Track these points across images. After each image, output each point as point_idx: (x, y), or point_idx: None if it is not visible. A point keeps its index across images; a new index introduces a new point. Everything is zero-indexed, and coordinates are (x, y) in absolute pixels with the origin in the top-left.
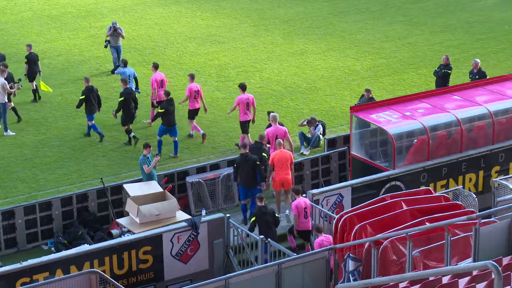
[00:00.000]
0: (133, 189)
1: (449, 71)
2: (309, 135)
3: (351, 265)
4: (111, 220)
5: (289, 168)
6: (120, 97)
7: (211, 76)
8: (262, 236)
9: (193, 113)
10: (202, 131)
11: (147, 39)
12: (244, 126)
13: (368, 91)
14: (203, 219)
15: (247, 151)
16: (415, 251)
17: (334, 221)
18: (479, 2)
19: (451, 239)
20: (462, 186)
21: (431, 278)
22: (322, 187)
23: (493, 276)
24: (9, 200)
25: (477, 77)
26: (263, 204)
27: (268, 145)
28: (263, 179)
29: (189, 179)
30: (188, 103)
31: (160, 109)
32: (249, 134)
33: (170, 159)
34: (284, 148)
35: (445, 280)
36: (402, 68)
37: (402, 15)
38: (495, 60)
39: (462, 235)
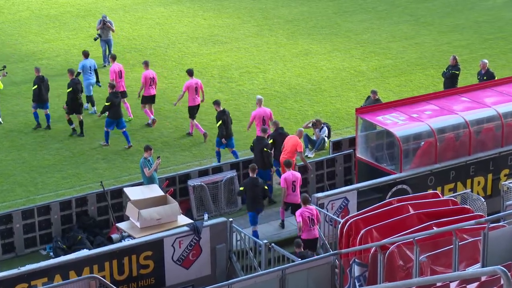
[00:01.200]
0: (134, 193)
1: (457, 72)
2: (314, 138)
3: (356, 270)
4: (111, 225)
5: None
6: (68, 88)
7: (214, 77)
8: (265, 241)
9: (148, 99)
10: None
11: (148, 39)
12: (193, 111)
13: (374, 92)
14: (205, 223)
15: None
16: (422, 256)
17: (340, 226)
18: (488, 2)
19: (459, 244)
20: (470, 189)
21: (438, 284)
22: (327, 190)
23: (502, 282)
24: (7, 204)
25: (485, 78)
26: (254, 176)
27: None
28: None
29: (191, 182)
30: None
31: (107, 102)
32: (195, 120)
33: (171, 161)
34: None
35: (453, 286)
36: (409, 69)
37: (409, 15)
38: (503, 61)
39: (470, 240)
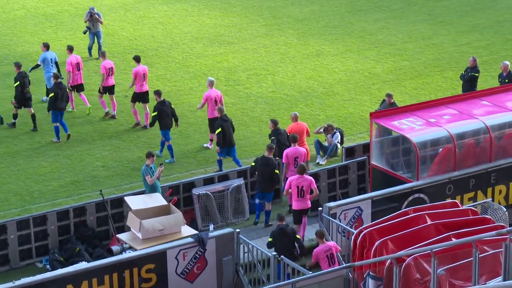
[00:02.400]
0: (135, 202)
1: (477, 74)
2: (325, 144)
3: (371, 284)
4: (111, 236)
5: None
6: (15, 82)
7: (220, 80)
8: (274, 253)
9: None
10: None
11: (150, 40)
12: (142, 98)
13: (389, 96)
14: (211, 234)
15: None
16: (440, 269)
17: (353, 237)
18: (510, 0)
19: (479, 256)
20: (491, 198)
21: None
22: (340, 199)
23: None
24: (1, 214)
25: (506, 80)
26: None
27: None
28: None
29: (195, 191)
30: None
31: (50, 92)
32: (147, 105)
33: (174, 169)
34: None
35: None
36: (426, 71)
37: (426, 14)
38: None
39: (491, 251)
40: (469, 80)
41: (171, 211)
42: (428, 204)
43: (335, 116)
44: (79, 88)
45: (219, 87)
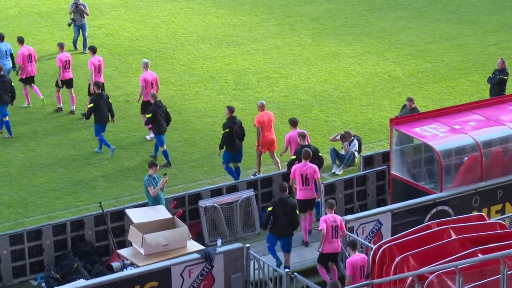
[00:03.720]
0: (137, 215)
1: (505, 77)
2: (342, 152)
3: None
4: (111, 251)
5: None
6: None
7: (228, 83)
8: (287, 270)
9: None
10: (60, 104)
11: (153, 40)
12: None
13: (410, 100)
14: (219, 249)
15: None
16: (466, 287)
17: (372, 252)
18: None
19: (508, 273)
20: None
21: None
22: (358, 212)
23: None
24: None
25: None
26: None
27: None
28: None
29: (202, 203)
30: (60, 73)
31: None
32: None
33: (179, 179)
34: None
35: None
36: (450, 74)
37: (451, 12)
38: None
39: None
40: (497, 84)
41: (175, 225)
42: (453, 217)
43: (353, 122)
44: (30, 80)
45: (227, 92)
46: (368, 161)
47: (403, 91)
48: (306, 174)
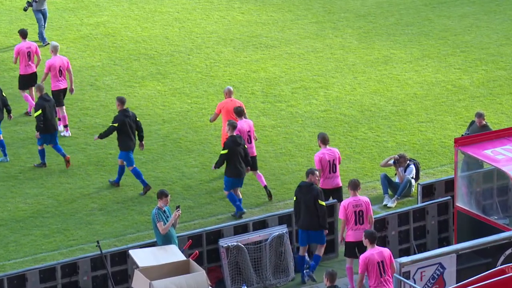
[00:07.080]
0: (143, 257)
1: None
2: (396, 180)
3: None
4: None
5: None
6: None
7: (255, 95)
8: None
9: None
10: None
11: (164, 42)
12: (23, 81)
13: (480, 116)
14: None
15: None
16: None
17: None
18: None
19: None
20: None
21: None
22: (415, 253)
23: None
24: None
25: None
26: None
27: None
28: None
29: (223, 242)
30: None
31: None
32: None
33: (195, 212)
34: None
35: None
36: None
37: None
38: None
39: None
40: None
41: (191, 269)
42: None
43: (409, 143)
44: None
45: (255, 105)
46: (428, 190)
47: (471, 104)
48: (333, 160)
